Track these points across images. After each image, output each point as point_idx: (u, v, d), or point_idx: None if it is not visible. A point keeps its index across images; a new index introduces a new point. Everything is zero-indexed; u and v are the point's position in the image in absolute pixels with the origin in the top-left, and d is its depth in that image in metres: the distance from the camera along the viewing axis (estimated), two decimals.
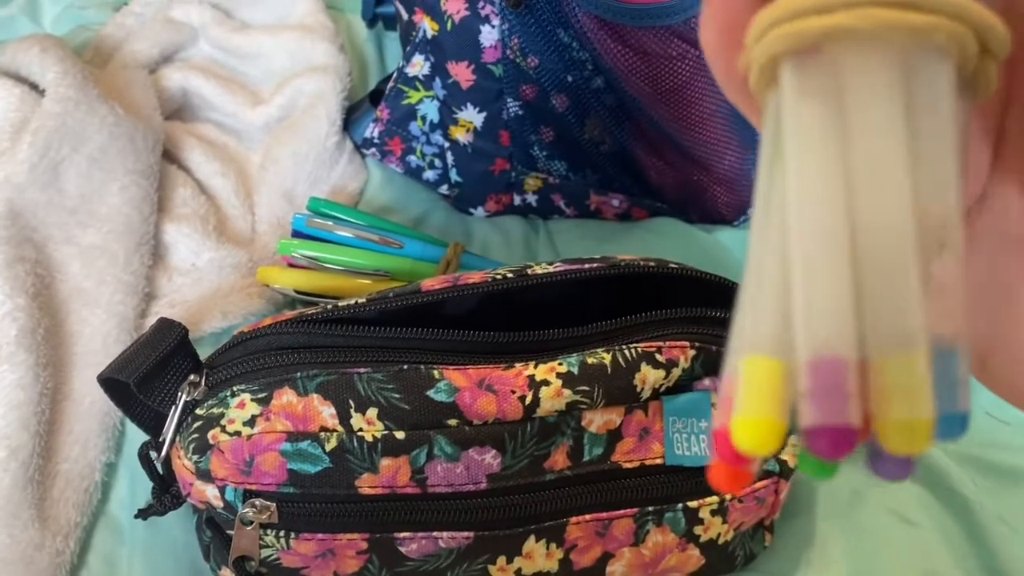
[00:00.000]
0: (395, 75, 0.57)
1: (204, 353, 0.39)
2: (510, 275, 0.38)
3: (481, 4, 0.50)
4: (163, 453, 0.36)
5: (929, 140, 0.14)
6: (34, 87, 0.56)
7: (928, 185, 0.14)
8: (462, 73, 0.52)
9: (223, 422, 0.35)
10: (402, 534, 0.36)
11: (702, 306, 0.39)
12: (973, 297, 0.16)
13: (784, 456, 0.39)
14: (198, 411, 0.36)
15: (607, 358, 0.36)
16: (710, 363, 0.37)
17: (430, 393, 0.35)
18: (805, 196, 0.14)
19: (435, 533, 0.36)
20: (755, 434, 0.13)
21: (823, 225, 0.14)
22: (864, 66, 0.13)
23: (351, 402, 0.35)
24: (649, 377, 0.36)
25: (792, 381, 0.13)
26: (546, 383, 0.35)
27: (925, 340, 0.13)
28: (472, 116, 0.54)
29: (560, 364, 0.36)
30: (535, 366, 0.36)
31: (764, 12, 0.14)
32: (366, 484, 0.35)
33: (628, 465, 0.37)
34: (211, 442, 0.35)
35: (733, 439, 0.13)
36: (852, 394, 0.13)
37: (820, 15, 0.13)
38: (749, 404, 0.13)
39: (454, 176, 0.58)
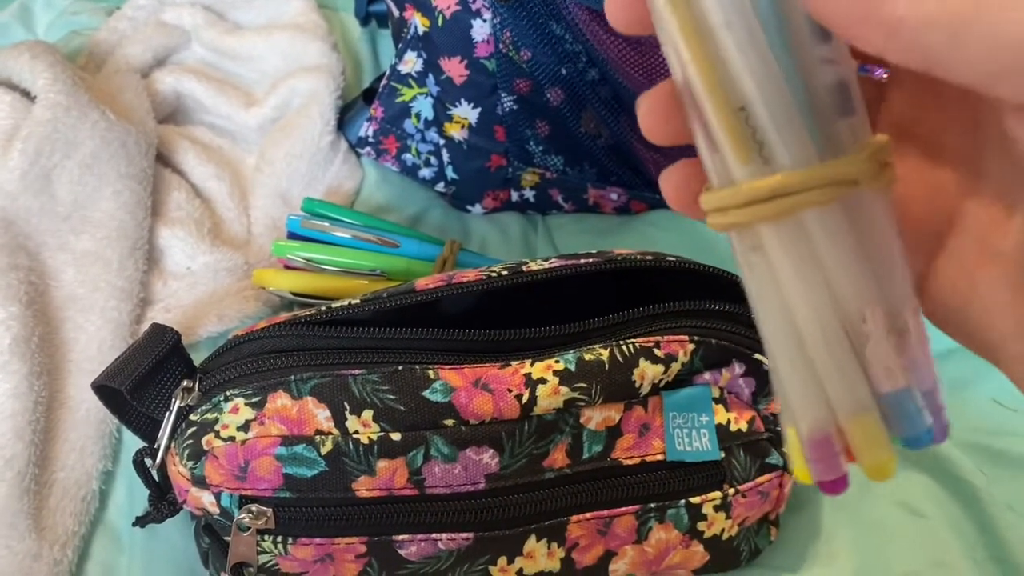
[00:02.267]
0: (388, 73, 0.57)
1: (201, 358, 0.39)
2: (505, 272, 0.38)
3: None
4: (158, 460, 0.36)
5: (835, 263, 0.18)
6: (25, 94, 0.55)
7: (843, 297, 0.18)
8: (455, 69, 0.52)
9: (217, 427, 0.34)
10: (401, 537, 0.36)
11: (701, 299, 0.38)
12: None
13: (787, 450, 0.39)
14: (192, 417, 0.35)
15: (604, 354, 0.35)
16: (709, 357, 0.37)
17: (426, 393, 0.34)
18: (767, 326, 0.19)
19: (434, 535, 0.36)
20: (803, 476, 0.20)
21: (785, 342, 0.19)
22: (771, 233, 0.18)
23: (346, 404, 0.34)
24: (648, 372, 0.36)
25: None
26: (543, 381, 0.35)
27: (871, 404, 0.19)
28: (466, 112, 0.54)
29: (557, 361, 0.35)
30: (531, 364, 0.35)
31: (706, 198, 0.19)
32: (363, 487, 0.34)
33: (628, 462, 0.37)
34: (205, 448, 0.34)
35: (798, 478, 0.20)
36: (839, 452, 0.19)
37: (738, 209, 0.18)
38: (794, 458, 0.20)
39: (450, 173, 0.57)
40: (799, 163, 0.17)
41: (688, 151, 0.20)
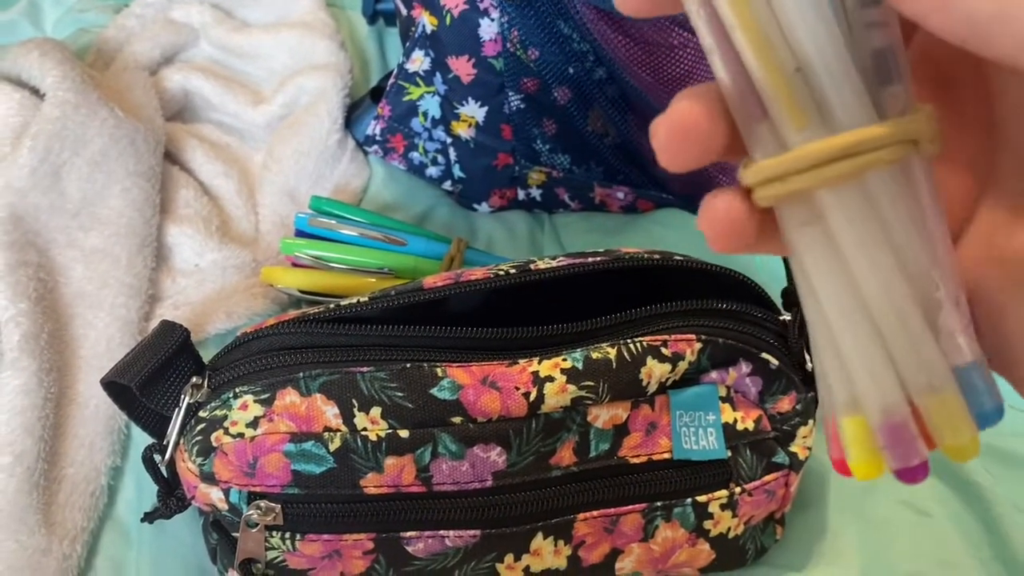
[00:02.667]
0: (395, 71, 0.57)
1: (210, 355, 0.39)
2: (512, 271, 0.38)
3: None
4: (167, 456, 0.36)
5: (900, 228, 0.17)
6: (34, 91, 0.56)
7: (912, 264, 0.17)
8: (462, 67, 0.52)
9: (226, 424, 0.35)
10: (408, 533, 0.36)
11: (708, 298, 0.38)
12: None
13: (794, 449, 0.39)
14: (201, 413, 0.35)
15: (612, 352, 0.36)
16: (717, 356, 0.37)
17: (433, 391, 0.34)
18: (830, 304, 0.18)
19: (442, 532, 0.36)
20: (867, 471, 0.18)
21: (852, 321, 0.18)
22: (830, 198, 0.17)
23: (354, 401, 0.34)
24: (655, 371, 0.36)
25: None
26: (550, 379, 0.35)
27: (949, 378, 0.17)
28: (473, 111, 0.54)
29: (564, 360, 0.35)
30: (539, 362, 0.35)
31: (757, 168, 0.18)
32: (371, 484, 0.35)
33: (635, 460, 0.37)
34: (214, 444, 0.35)
35: (855, 476, 0.19)
36: (915, 436, 0.18)
37: (799, 175, 0.17)
38: (855, 453, 0.18)
39: (457, 172, 0.57)
40: (862, 125, 0.17)
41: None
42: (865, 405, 0.18)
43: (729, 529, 0.39)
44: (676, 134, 0.18)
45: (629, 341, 0.36)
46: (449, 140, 0.56)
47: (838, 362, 0.18)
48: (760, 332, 0.38)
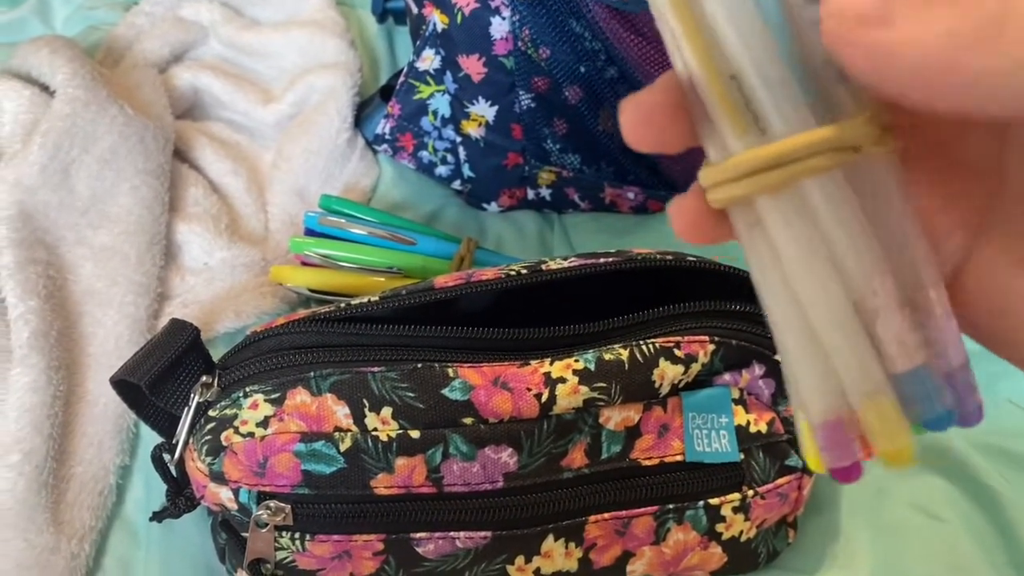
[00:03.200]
0: (405, 70, 0.57)
1: (218, 354, 0.39)
2: (524, 271, 0.38)
3: None
4: (176, 455, 0.36)
5: (841, 234, 0.17)
6: (44, 88, 0.56)
7: (852, 270, 0.17)
8: (473, 66, 0.52)
9: (236, 423, 0.34)
10: (419, 534, 0.35)
11: (721, 299, 0.38)
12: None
13: None
14: (211, 412, 0.35)
15: (624, 354, 0.35)
16: (729, 357, 0.37)
17: (445, 391, 0.34)
18: (771, 306, 0.19)
19: (452, 533, 0.36)
20: (814, 466, 0.19)
21: (792, 323, 0.18)
22: (768, 204, 0.18)
23: (365, 401, 0.34)
24: (668, 373, 0.36)
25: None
26: (562, 380, 0.35)
27: (885, 385, 0.17)
28: (484, 110, 0.53)
29: (576, 361, 0.35)
30: (551, 363, 0.35)
31: (704, 173, 0.18)
32: (381, 484, 0.34)
33: (647, 462, 0.37)
34: (224, 444, 0.34)
35: (810, 468, 0.19)
36: (852, 438, 0.18)
37: (735, 183, 0.17)
38: (807, 449, 0.19)
39: (467, 171, 0.57)
40: (797, 131, 0.17)
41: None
42: (805, 405, 0.19)
43: (741, 532, 0.39)
44: (637, 119, 0.19)
45: (642, 342, 0.36)
46: (459, 139, 0.56)
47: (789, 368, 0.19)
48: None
